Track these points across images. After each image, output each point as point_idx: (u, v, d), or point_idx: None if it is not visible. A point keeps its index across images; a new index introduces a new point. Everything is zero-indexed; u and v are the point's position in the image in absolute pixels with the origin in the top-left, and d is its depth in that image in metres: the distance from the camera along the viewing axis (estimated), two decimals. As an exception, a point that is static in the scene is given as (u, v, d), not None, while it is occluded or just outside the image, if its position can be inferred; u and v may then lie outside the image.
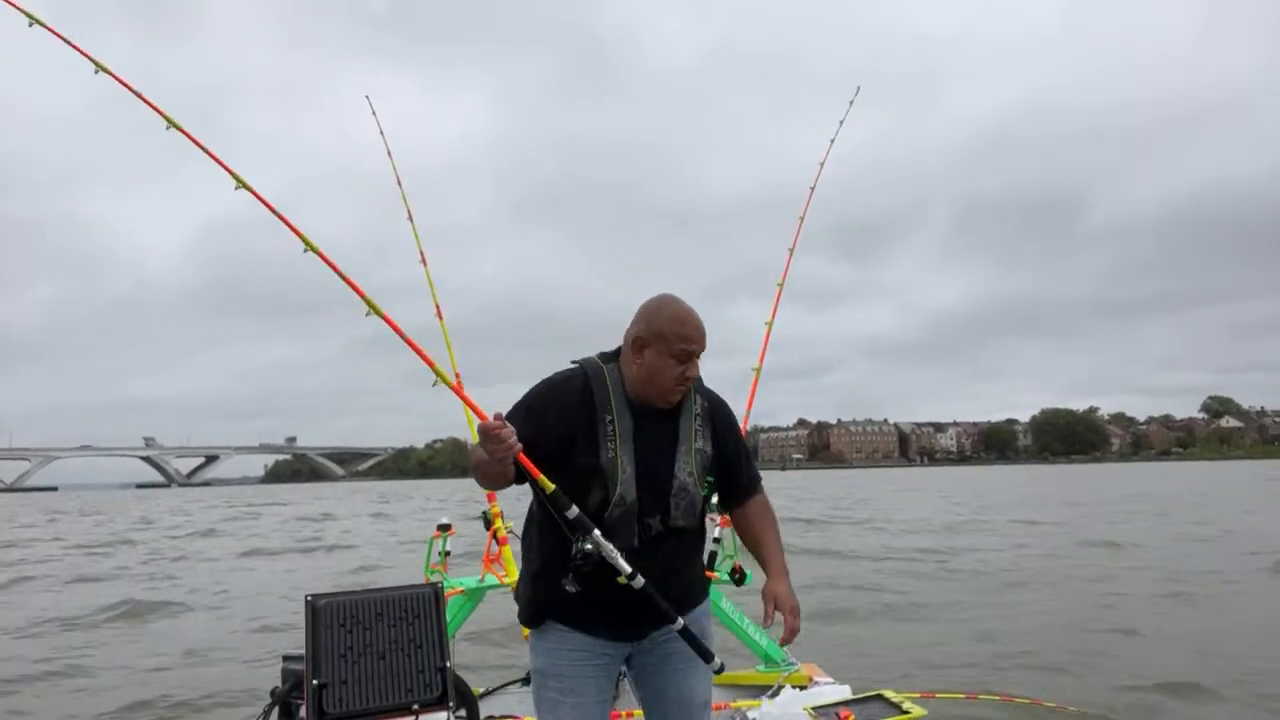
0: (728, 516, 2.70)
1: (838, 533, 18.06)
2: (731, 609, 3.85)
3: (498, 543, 3.70)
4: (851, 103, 4.97)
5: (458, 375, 3.98)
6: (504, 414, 1.98)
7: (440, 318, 4.00)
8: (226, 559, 16.28)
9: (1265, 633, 7.15)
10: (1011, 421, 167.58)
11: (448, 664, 3.07)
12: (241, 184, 2.45)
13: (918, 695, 3.54)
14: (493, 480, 2.04)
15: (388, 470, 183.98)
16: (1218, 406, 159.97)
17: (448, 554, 3.74)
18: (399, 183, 4.26)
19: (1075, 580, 10.37)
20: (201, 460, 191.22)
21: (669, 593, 2.02)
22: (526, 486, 2.02)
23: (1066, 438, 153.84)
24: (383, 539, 19.77)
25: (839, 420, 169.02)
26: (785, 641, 2.15)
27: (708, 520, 2.30)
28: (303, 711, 2.96)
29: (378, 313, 2.22)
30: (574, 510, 1.92)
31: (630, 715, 3.36)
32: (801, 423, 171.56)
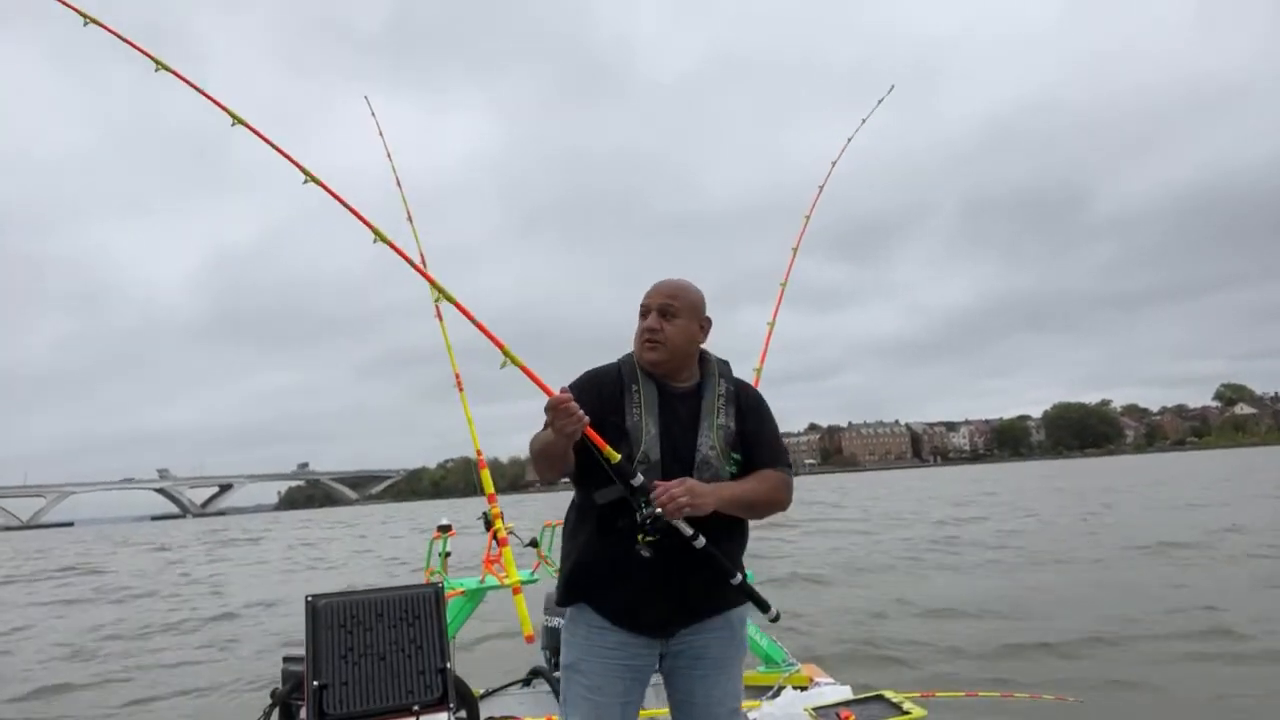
0: None
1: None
2: None
3: (498, 544, 3.71)
4: (881, 101, 4.98)
5: (458, 378, 4.02)
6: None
7: (440, 318, 4.02)
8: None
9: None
10: (1024, 418, 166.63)
11: (448, 665, 3.07)
12: (310, 178, 2.47)
13: (918, 695, 3.54)
14: (553, 466, 2.09)
15: (401, 492, 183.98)
16: (1231, 394, 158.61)
17: (448, 555, 3.76)
18: (398, 183, 4.29)
19: (1075, 580, 10.30)
20: (215, 490, 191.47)
21: (701, 574, 2.06)
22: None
23: (1080, 432, 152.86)
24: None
25: (850, 423, 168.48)
26: (659, 500, 1.99)
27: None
28: (303, 712, 2.97)
29: (449, 299, 2.28)
30: (639, 477, 2.01)
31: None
32: (813, 427, 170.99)
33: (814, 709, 3.32)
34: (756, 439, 2.23)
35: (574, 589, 2.17)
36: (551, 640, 3.62)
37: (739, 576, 2.09)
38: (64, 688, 7.32)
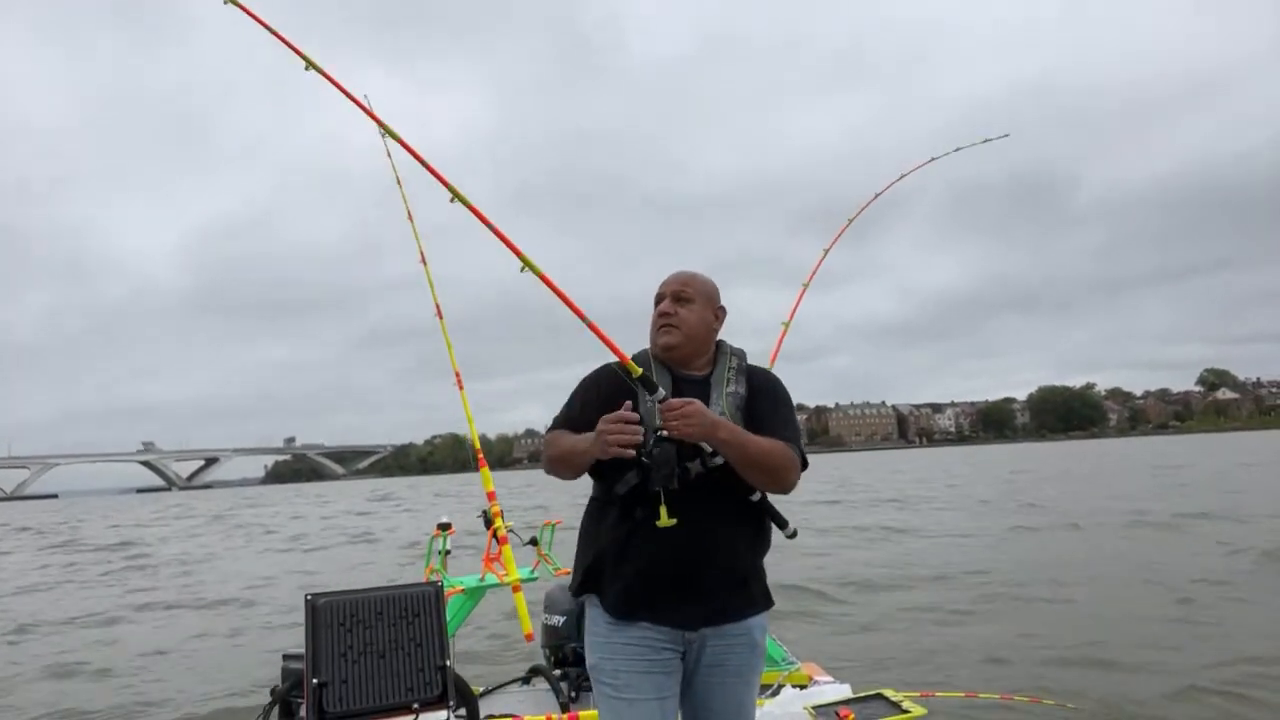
0: None
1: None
2: None
3: (498, 542, 3.70)
4: (988, 140, 4.92)
5: (457, 375, 3.99)
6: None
7: (440, 317, 3.98)
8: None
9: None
10: (1009, 400, 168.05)
11: (448, 663, 3.06)
12: (385, 130, 2.44)
13: (917, 694, 3.55)
14: (575, 469, 2.12)
15: (388, 468, 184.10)
16: (1214, 379, 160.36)
17: (448, 553, 3.75)
18: (399, 182, 4.23)
19: (1078, 578, 10.38)
20: (201, 463, 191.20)
21: (717, 559, 2.06)
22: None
23: (1064, 415, 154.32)
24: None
25: (837, 404, 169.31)
26: (666, 416, 1.98)
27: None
28: (303, 710, 2.96)
29: (534, 270, 2.21)
30: (661, 392, 2.04)
31: None
32: (800, 407, 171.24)
33: (813, 707, 3.33)
34: (770, 416, 2.18)
35: (592, 575, 2.14)
36: (551, 638, 3.61)
37: (756, 495, 2.11)
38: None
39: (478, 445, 3.87)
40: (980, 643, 6.78)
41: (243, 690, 5.88)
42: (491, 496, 3.70)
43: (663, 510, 1.97)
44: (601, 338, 2.15)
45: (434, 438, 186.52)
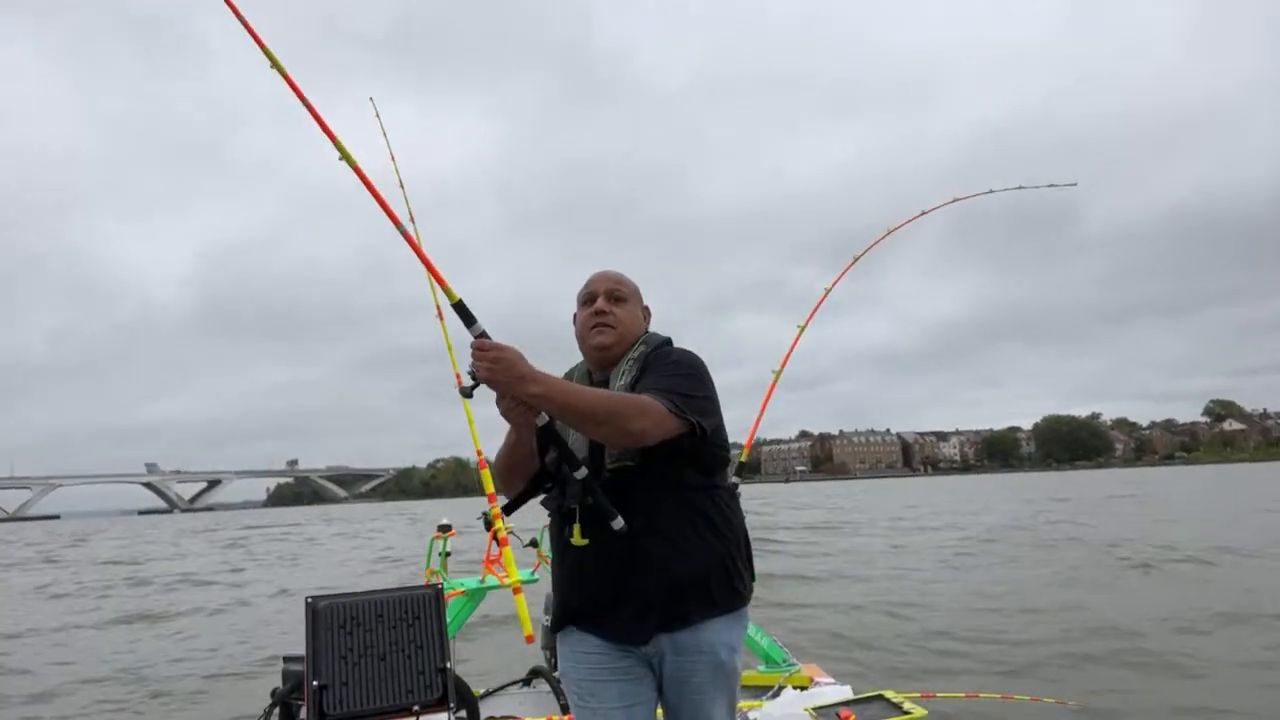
0: None
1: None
2: None
3: (498, 544, 3.70)
4: (1053, 186, 4.82)
5: (458, 377, 4.00)
6: None
7: (440, 318, 4.00)
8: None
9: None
10: (1014, 429, 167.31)
11: (448, 665, 3.06)
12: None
13: (918, 695, 3.55)
14: (513, 464, 2.01)
15: (390, 491, 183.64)
16: (1220, 410, 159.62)
17: (448, 555, 3.75)
18: (401, 184, 4.29)
19: (1077, 579, 10.38)
20: (204, 485, 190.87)
21: (651, 566, 1.91)
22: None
23: (1070, 444, 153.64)
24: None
25: (841, 431, 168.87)
26: (476, 349, 1.82)
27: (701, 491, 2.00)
28: (303, 712, 2.95)
29: (350, 161, 2.03)
30: (582, 470, 1.91)
31: None
32: (804, 434, 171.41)
33: (814, 709, 3.33)
34: (644, 380, 2.01)
35: (559, 619, 2.10)
36: (551, 640, 3.60)
37: (620, 523, 1.88)
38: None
39: (477, 445, 3.87)
40: (980, 643, 6.78)
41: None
42: (492, 498, 3.70)
43: (576, 529, 1.91)
44: (419, 254, 1.99)
45: (436, 461, 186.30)
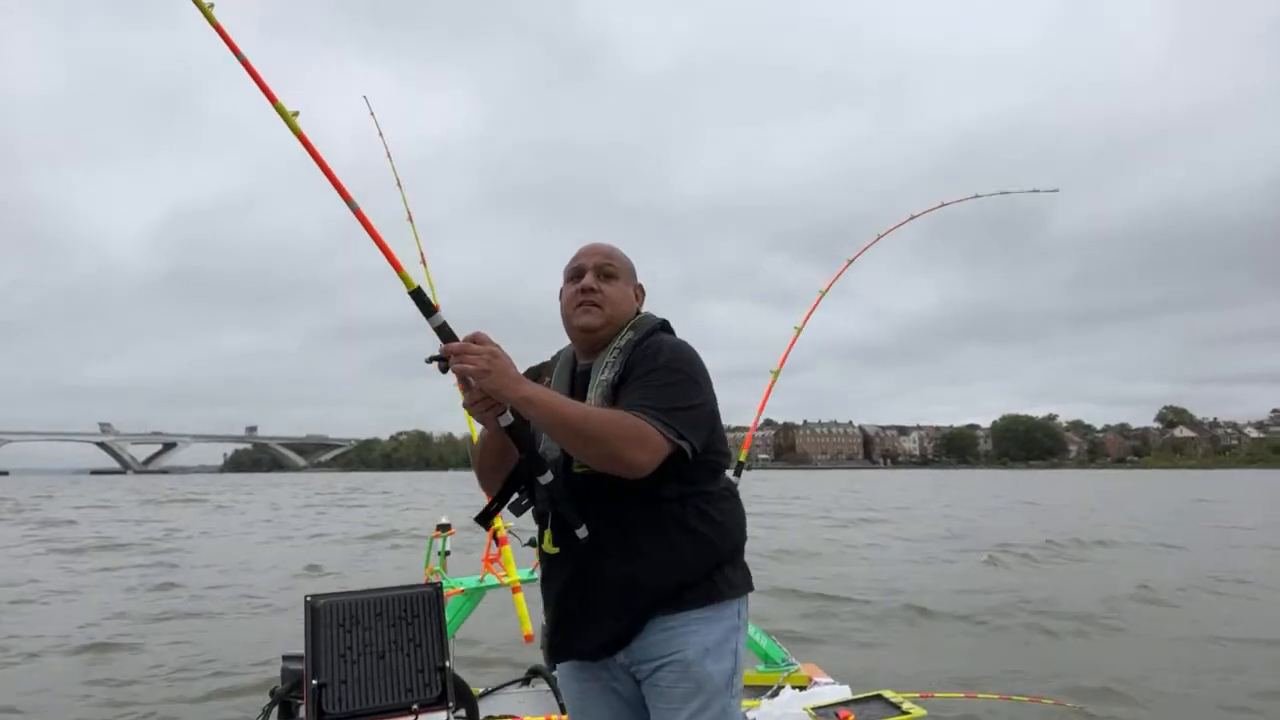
0: None
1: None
2: None
3: (497, 543, 3.66)
4: (1036, 191, 4.89)
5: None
6: None
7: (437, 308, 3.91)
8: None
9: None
10: (973, 427, 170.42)
11: (447, 664, 3.03)
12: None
13: (917, 695, 3.56)
14: (488, 465, 1.86)
15: (351, 462, 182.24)
16: (1172, 417, 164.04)
17: (447, 554, 3.71)
18: (399, 184, 4.18)
19: (1072, 580, 10.56)
20: (159, 447, 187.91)
21: (607, 576, 1.77)
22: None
23: (1026, 444, 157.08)
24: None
25: (805, 421, 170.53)
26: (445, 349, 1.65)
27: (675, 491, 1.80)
28: (302, 711, 2.91)
29: (286, 118, 1.83)
30: (548, 475, 1.76)
31: None
32: (768, 423, 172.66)
33: (813, 708, 3.33)
34: (630, 384, 1.79)
35: (550, 655, 2.01)
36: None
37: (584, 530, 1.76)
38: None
39: (474, 433, 3.82)
40: (982, 645, 6.87)
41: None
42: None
43: (547, 535, 1.79)
44: (370, 230, 1.80)
45: (399, 434, 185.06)
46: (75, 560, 13.67)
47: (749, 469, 4.33)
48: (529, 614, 3.47)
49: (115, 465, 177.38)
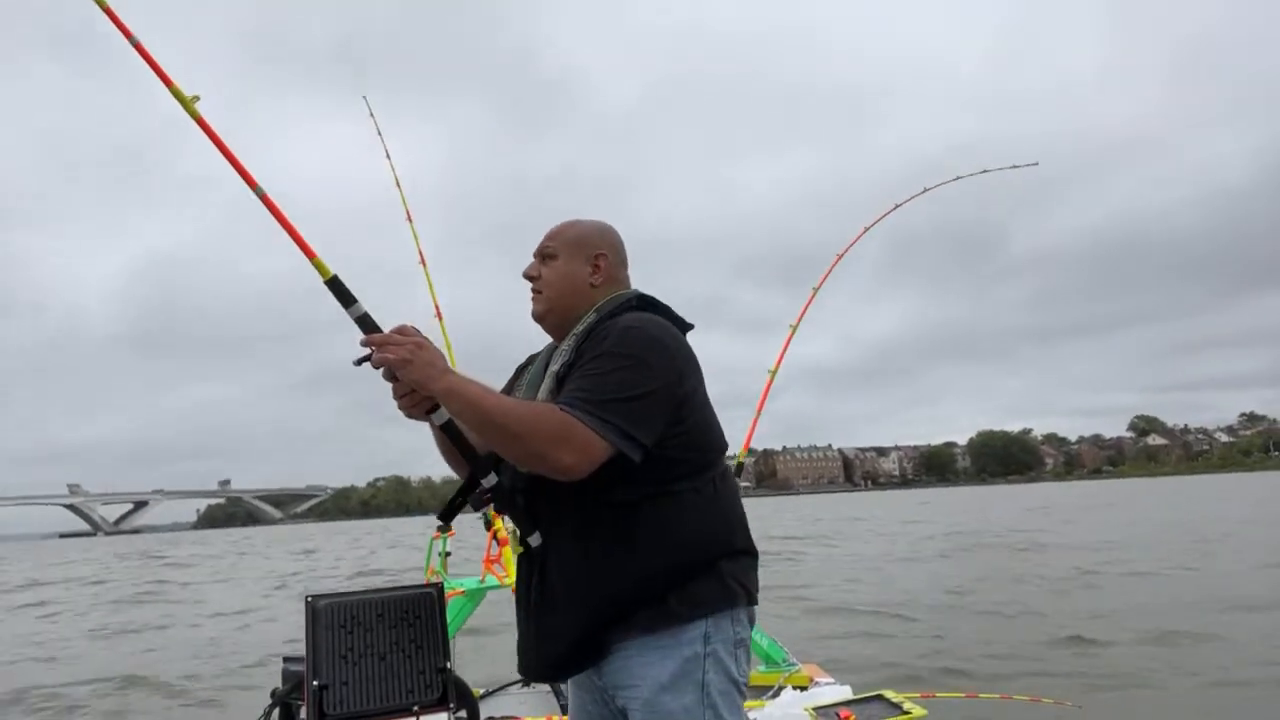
0: None
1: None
2: None
3: (498, 544, 3.65)
4: (1016, 167, 5.00)
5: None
6: None
7: (440, 318, 3.94)
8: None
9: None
10: (951, 444, 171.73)
11: (448, 665, 3.00)
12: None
13: (918, 695, 3.57)
14: (451, 460, 1.79)
15: (328, 511, 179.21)
16: (1144, 425, 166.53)
17: (448, 555, 3.69)
18: (398, 184, 4.22)
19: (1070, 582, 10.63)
20: (130, 507, 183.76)
21: (552, 579, 1.65)
22: None
23: (1003, 459, 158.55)
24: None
25: (784, 447, 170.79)
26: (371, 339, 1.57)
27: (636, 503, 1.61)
28: (303, 712, 2.87)
29: (191, 112, 1.77)
30: (492, 476, 1.68)
31: None
32: (749, 450, 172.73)
33: (814, 709, 3.32)
34: (573, 373, 1.62)
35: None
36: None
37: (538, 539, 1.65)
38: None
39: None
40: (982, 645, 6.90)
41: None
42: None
43: (513, 539, 1.71)
44: (277, 215, 1.72)
45: (376, 480, 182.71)
46: None
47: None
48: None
49: (85, 527, 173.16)
